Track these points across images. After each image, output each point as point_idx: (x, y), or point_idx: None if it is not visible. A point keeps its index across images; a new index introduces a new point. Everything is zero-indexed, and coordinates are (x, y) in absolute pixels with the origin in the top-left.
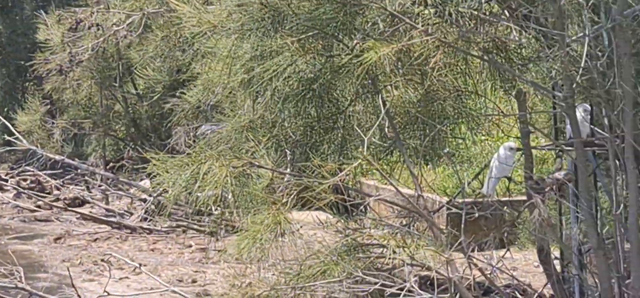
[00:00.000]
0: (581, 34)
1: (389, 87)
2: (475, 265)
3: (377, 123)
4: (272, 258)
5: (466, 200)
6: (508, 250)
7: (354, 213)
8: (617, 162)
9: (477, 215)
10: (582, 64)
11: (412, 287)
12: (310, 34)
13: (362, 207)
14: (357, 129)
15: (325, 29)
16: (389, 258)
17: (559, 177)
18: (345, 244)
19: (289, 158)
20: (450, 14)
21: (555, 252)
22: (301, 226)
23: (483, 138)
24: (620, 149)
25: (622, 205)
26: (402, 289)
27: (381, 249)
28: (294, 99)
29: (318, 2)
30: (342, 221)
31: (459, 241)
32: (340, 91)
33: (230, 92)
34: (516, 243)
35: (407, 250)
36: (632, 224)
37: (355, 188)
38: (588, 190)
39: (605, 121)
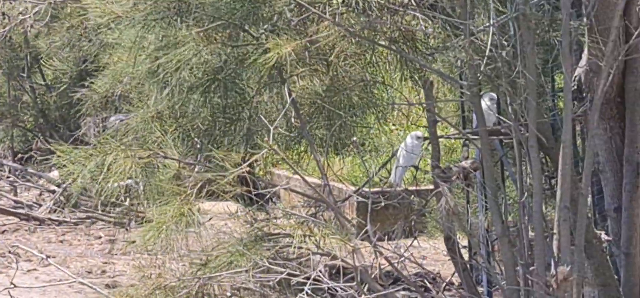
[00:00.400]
0: (488, 23)
1: (296, 77)
2: (381, 254)
3: (283, 113)
4: (183, 249)
5: (374, 189)
6: (415, 239)
7: (260, 203)
8: (523, 151)
9: (383, 204)
10: (487, 53)
11: (319, 275)
12: (215, 23)
13: (269, 197)
14: (262, 119)
15: (230, 19)
16: (295, 248)
17: (465, 166)
18: (251, 234)
19: (196, 149)
20: (357, 3)
21: (465, 241)
22: (211, 217)
23: (393, 127)
24: (524, 138)
25: (526, 193)
26: (308, 278)
27: (288, 238)
28: (199, 89)
29: None
30: (250, 211)
31: (365, 230)
32: (245, 81)
33: (138, 83)
34: (425, 232)
35: (313, 240)
36: (536, 212)
37: (263, 178)
38: (493, 178)
39: (509, 110)
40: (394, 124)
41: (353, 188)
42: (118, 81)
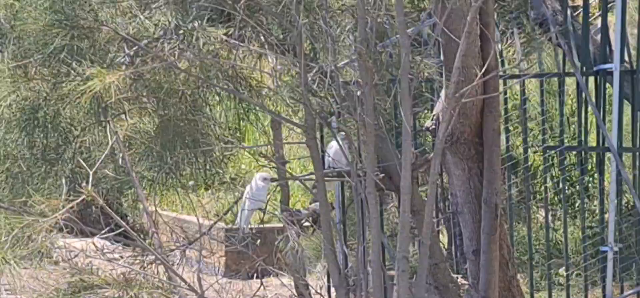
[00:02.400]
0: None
1: (125, 115)
2: None
3: (105, 154)
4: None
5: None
6: (262, 283)
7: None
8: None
9: (230, 246)
10: (322, 94)
11: None
12: (35, 58)
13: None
14: (81, 161)
15: (52, 54)
16: None
17: (315, 209)
18: (72, 284)
19: (14, 192)
20: (197, 40)
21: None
22: (77, 254)
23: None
24: (363, 185)
25: (365, 242)
26: None
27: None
28: (18, 128)
29: (45, 26)
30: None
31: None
32: (69, 120)
33: None
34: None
35: (132, 292)
36: (374, 260)
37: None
38: (328, 224)
39: (347, 153)
40: (265, 163)
41: (224, 225)
42: None
